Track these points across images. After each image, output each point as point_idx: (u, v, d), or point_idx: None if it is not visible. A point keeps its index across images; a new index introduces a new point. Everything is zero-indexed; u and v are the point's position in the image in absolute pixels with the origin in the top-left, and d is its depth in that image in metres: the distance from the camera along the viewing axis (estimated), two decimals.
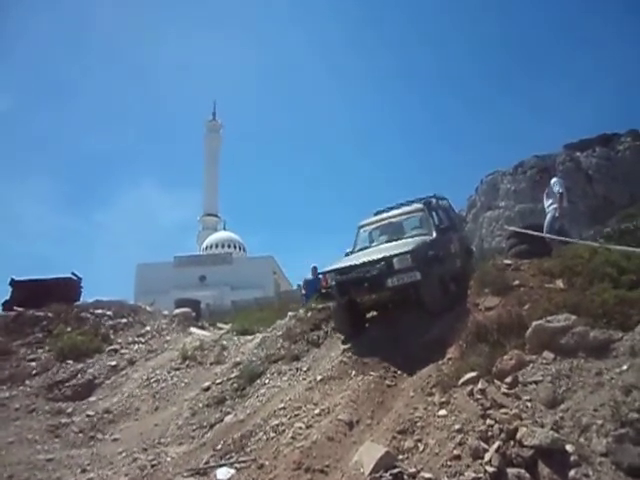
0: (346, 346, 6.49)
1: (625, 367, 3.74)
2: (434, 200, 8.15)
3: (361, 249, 7.67)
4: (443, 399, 4.15)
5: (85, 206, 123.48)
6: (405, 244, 6.63)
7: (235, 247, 51.64)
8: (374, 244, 7.77)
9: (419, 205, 7.79)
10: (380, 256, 6.33)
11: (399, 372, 5.31)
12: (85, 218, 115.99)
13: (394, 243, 7.08)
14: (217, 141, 63.89)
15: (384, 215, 8.26)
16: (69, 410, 7.32)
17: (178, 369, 8.27)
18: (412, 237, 7.14)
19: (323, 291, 6.93)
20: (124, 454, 5.53)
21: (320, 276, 7.22)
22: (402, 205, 8.27)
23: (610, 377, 3.70)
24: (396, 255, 6.16)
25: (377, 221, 8.24)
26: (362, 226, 8.33)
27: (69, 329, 10.50)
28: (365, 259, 6.51)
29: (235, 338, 9.76)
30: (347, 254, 7.76)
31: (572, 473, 2.97)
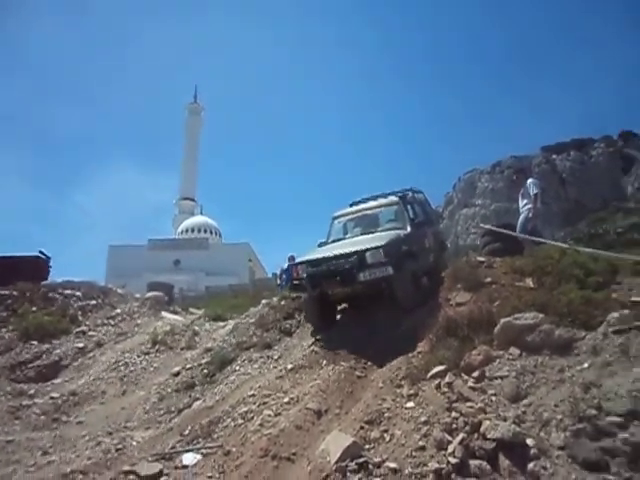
0: (318, 337, 6.50)
1: (586, 365, 3.87)
2: (410, 193, 8.14)
3: (335, 240, 7.62)
4: (411, 391, 4.21)
5: (62, 185, 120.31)
6: (379, 238, 6.60)
7: (211, 232, 51.11)
8: (348, 236, 7.73)
9: (394, 198, 7.76)
10: (353, 249, 6.28)
11: (369, 363, 5.36)
12: (61, 197, 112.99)
13: (368, 236, 7.04)
14: (198, 124, 62.75)
15: (359, 207, 8.20)
16: (31, 392, 7.13)
17: (148, 353, 8.15)
18: (386, 231, 7.11)
19: (294, 282, 6.84)
20: (88, 437, 5.42)
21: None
22: (378, 197, 8.23)
23: (571, 374, 3.82)
24: (369, 249, 6.12)
25: (352, 212, 8.18)
26: (336, 217, 8.25)
27: (35, 309, 10.21)
28: (337, 252, 6.44)
29: (207, 324, 9.68)
30: (320, 245, 7.70)
31: (531, 465, 3.06)
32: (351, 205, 8.54)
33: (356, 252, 6.18)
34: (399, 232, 6.87)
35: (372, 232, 7.28)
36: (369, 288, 6.37)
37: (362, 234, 7.42)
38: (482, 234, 10.10)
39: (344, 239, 7.56)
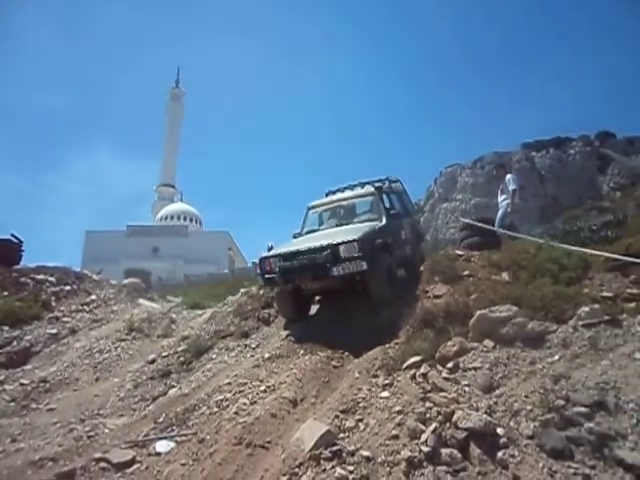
0: (294, 327, 6.49)
1: (557, 357, 3.98)
2: (386, 183, 8.03)
3: (309, 232, 7.51)
4: (387, 381, 4.25)
5: (37, 167, 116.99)
6: (353, 230, 6.45)
7: (191, 220, 50.55)
8: (323, 227, 7.62)
9: (370, 189, 7.64)
10: (326, 243, 6.11)
11: (346, 354, 5.38)
12: (31, 178, 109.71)
13: (343, 228, 6.95)
14: (179, 109, 61.68)
15: (334, 197, 8.09)
16: (1, 378, 6.96)
17: (123, 340, 8.02)
18: (361, 222, 7.02)
19: (267, 276, 6.62)
20: (59, 424, 5.31)
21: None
22: (354, 186, 8.13)
23: (542, 366, 3.92)
24: (342, 243, 5.96)
25: (327, 203, 8.06)
26: (311, 207, 8.09)
27: (6, 294, 9.94)
28: (310, 245, 6.27)
29: (185, 312, 9.58)
30: (295, 236, 7.59)
31: (500, 454, 3.13)
32: (327, 194, 8.42)
33: (329, 246, 6.01)
34: (374, 224, 6.75)
35: (347, 224, 7.19)
36: (343, 282, 6.24)
37: (337, 226, 7.31)
38: (461, 228, 10.24)
39: (319, 230, 7.45)
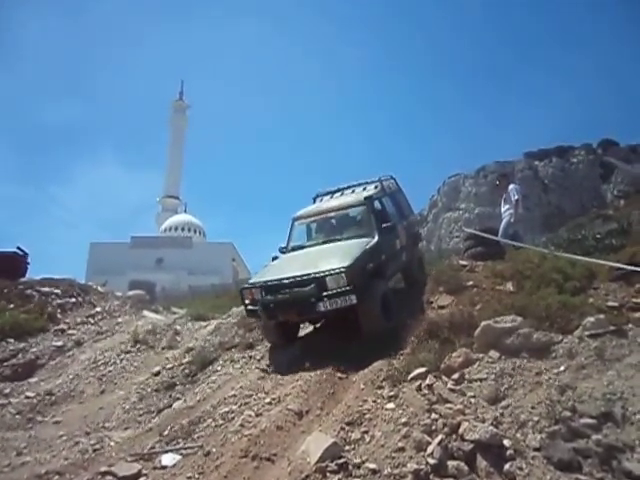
0: (299, 338, 6.48)
1: (562, 368, 3.97)
2: (379, 185, 7.43)
3: (295, 248, 7.03)
4: (392, 393, 4.24)
5: (43, 179, 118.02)
6: (342, 253, 5.91)
7: (195, 231, 50.65)
8: (309, 243, 7.13)
9: (361, 197, 7.00)
10: (311, 273, 5.57)
11: (351, 365, 5.36)
12: (41, 191, 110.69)
13: (331, 246, 6.47)
14: (183, 122, 62.16)
15: (323, 206, 7.43)
16: (7, 391, 6.95)
17: (128, 352, 8.02)
18: (351, 239, 6.46)
19: (249, 308, 6.12)
20: (65, 437, 5.31)
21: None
22: (344, 190, 7.66)
23: (548, 377, 3.91)
24: (329, 274, 5.43)
25: (314, 214, 7.42)
26: (297, 218, 7.46)
27: (12, 306, 9.98)
28: (294, 275, 5.71)
29: (189, 323, 9.56)
30: (281, 250, 7.16)
31: (507, 466, 3.12)
32: (314, 199, 7.95)
33: (314, 278, 5.48)
34: (365, 243, 6.16)
35: (336, 240, 6.63)
36: (331, 315, 5.81)
37: (325, 242, 6.77)
38: (465, 238, 10.24)
39: (305, 247, 6.95)
